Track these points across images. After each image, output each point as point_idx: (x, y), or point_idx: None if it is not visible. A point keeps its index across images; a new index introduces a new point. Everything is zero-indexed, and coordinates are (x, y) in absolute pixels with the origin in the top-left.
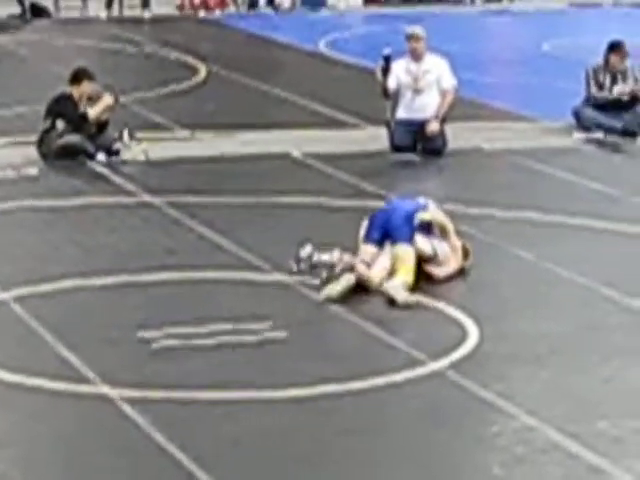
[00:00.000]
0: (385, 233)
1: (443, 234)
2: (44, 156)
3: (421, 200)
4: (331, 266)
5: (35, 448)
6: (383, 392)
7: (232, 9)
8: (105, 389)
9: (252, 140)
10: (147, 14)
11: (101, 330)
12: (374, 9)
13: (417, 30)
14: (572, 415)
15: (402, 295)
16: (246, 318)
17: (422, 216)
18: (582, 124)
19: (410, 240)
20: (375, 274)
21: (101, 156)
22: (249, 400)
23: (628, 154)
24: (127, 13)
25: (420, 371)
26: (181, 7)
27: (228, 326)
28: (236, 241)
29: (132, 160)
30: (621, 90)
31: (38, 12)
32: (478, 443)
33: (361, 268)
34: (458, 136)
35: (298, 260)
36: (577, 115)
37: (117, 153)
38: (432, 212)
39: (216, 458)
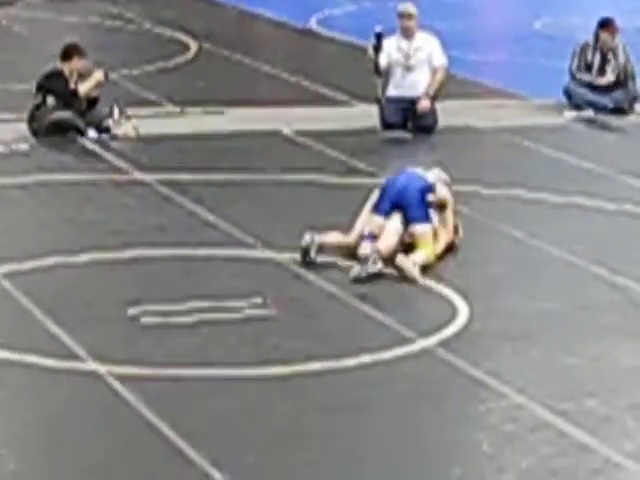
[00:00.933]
0: (395, 205)
1: (439, 208)
2: (35, 132)
3: (430, 176)
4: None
5: (24, 425)
6: (372, 370)
7: None
8: (95, 366)
9: (243, 117)
10: None
11: (91, 307)
12: None
13: (409, 7)
14: (561, 393)
15: (416, 272)
16: (236, 295)
17: (430, 199)
18: (573, 102)
19: (427, 219)
20: (386, 246)
21: (92, 132)
22: (237, 377)
23: (618, 132)
24: None
25: (409, 349)
26: None
27: (218, 303)
28: (227, 218)
29: (122, 136)
30: (604, 82)
31: None
32: (467, 421)
33: (382, 248)
34: (449, 114)
35: (304, 252)
36: (568, 93)
37: (107, 130)
38: (438, 191)
39: (204, 434)
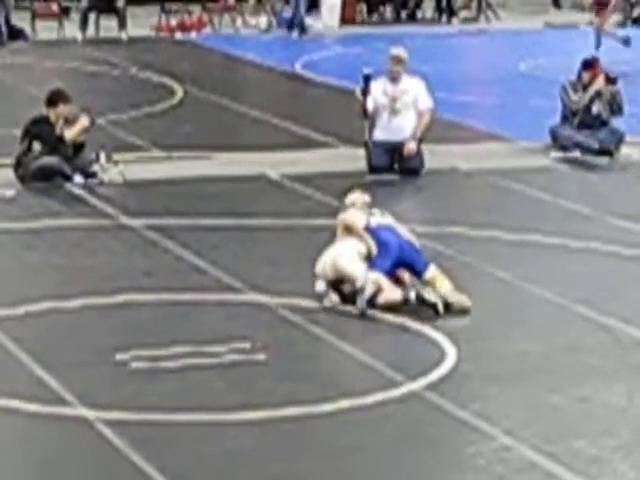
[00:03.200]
0: (397, 264)
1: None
2: (21, 178)
3: (391, 222)
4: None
5: (13, 470)
6: (359, 413)
7: (209, 29)
8: (83, 411)
9: (229, 161)
10: (124, 36)
11: (78, 352)
12: (350, 29)
13: (401, 52)
14: (549, 435)
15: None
16: (224, 340)
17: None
18: (559, 143)
19: (428, 264)
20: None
21: (78, 178)
22: (225, 422)
23: (604, 173)
24: (103, 35)
25: (397, 392)
26: (158, 29)
27: (206, 348)
28: (214, 263)
29: (109, 182)
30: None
31: (15, 34)
32: (456, 463)
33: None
34: (435, 156)
35: (320, 297)
36: (554, 134)
37: (94, 175)
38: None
39: (193, 478)
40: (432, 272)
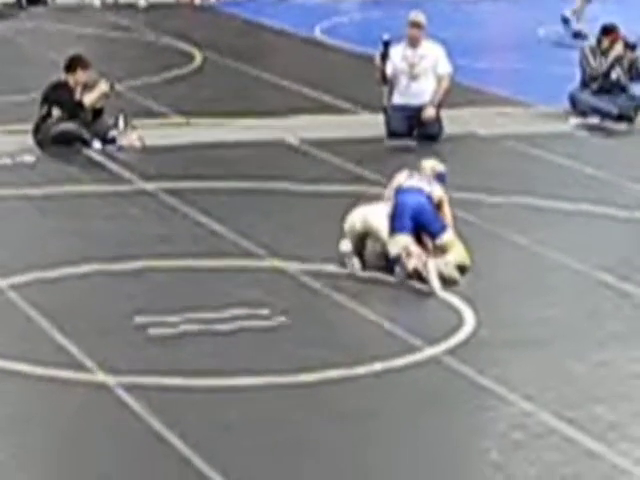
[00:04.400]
0: (415, 225)
1: (437, 207)
2: (40, 144)
3: (425, 187)
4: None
5: (32, 436)
6: (379, 378)
7: None
8: (102, 376)
9: (248, 127)
10: (142, 1)
11: (98, 317)
12: None
13: (420, 17)
14: (568, 400)
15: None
16: (243, 305)
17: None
18: (578, 109)
19: (446, 227)
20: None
21: (97, 143)
22: (244, 387)
23: (623, 138)
24: (122, 0)
25: (417, 357)
26: None
27: (225, 313)
28: (233, 228)
29: (128, 147)
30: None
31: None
32: (475, 429)
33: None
34: (454, 122)
35: (343, 257)
36: (573, 100)
37: (113, 140)
38: (434, 193)
39: (212, 444)
40: (447, 238)
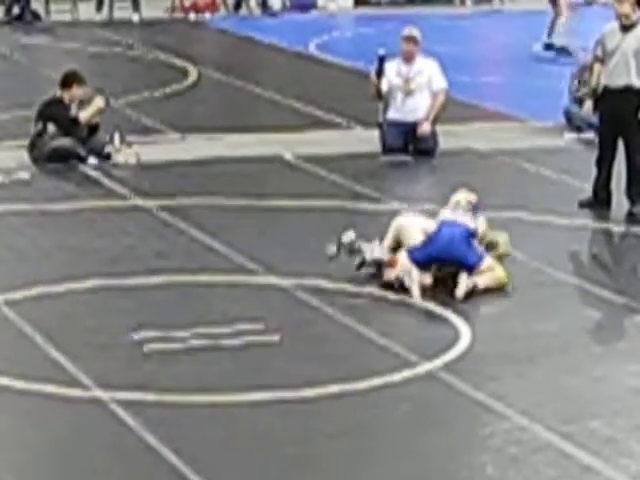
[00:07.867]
0: (434, 260)
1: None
2: (35, 160)
3: (470, 224)
4: (379, 264)
5: (28, 452)
6: (375, 394)
7: (222, 11)
8: (98, 392)
9: (243, 143)
10: (136, 17)
11: (93, 333)
12: (364, 10)
13: (414, 32)
14: (564, 415)
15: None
16: (238, 321)
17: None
18: (573, 124)
19: (482, 257)
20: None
21: (92, 160)
22: (240, 403)
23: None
24: (117, 15)
25: (412, 372)
26: (172, 9)
27: (220, 329)
28: (228, 244)
29: (123, 163)
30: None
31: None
32: (471, 444)
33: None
34: (449, 137)
35: (339, 245)
36: (568, 115)
37: (108, 156)
38: (480, 230)
39: (208, 460)
40: (484, 268)
